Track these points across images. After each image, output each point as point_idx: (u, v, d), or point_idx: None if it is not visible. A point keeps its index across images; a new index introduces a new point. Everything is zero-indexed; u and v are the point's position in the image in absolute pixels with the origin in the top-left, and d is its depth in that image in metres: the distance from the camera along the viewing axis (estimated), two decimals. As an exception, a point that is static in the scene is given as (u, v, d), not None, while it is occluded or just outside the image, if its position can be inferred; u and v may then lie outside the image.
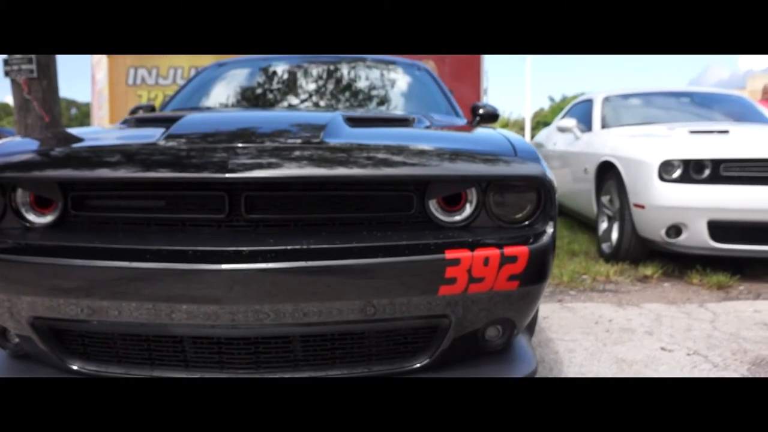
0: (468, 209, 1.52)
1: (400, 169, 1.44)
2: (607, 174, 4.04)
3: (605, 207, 4.11)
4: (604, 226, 4.14)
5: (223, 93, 3.02)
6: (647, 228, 3.54)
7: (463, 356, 1.60)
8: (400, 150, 1.49)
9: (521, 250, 1.45)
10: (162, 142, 1.49)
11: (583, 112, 5.20)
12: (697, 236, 3.34)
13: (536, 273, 1.49)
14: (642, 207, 3.51)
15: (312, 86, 3.04)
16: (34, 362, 1.61)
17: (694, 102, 5.12)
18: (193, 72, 6.29)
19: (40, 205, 1.53)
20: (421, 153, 1.50)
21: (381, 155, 1.47)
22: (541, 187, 1.51)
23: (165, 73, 6.45)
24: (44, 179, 1.47)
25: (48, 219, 1.51)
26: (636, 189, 3.56)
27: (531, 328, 1.91)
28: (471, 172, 1.48)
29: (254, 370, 1.48)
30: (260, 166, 1.38)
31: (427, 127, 1.88)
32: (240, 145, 1.46)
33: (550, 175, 1.53)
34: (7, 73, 4.44)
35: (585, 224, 4.94)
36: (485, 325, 1.55)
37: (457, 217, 1.52)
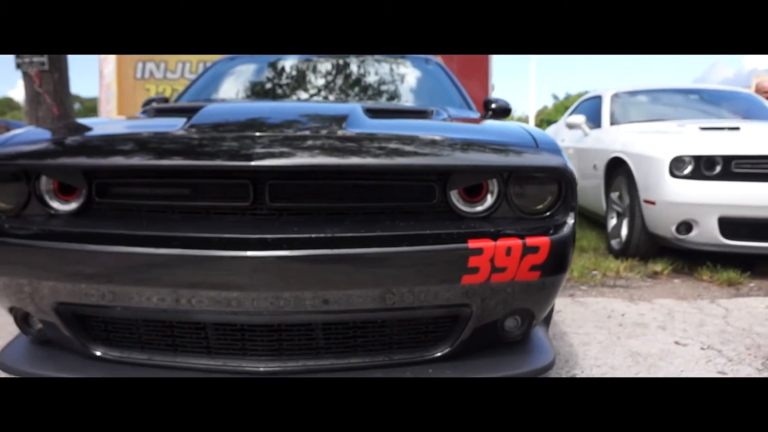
0: (489, 200, 1.53)
1: (423, 159, 1.45)
2: (617, 170, 4.04)
3: (614, 203, 4.11)
4: (613, 222, 4.15)
5: (236, 86, 3.03)
6: (657, 224, 3.54)
7: (483, 346, 1.61)
8: (423, 140, 1.50)
9: (543, 241, 1.46)
10: (186, 131, 1.50)
11: (591, 109, 5.19)
12: (707, 233, 3.34)
13: (557, 263, 1.50)
14: (652, 203, 3.51)
15: (324, 81, 3.05)
16: (56, 348, 1.62)
17: (703, 99, 5.11)
18: (201, 66, 6.31)
19: (64, 192, 1.54)
20: (444, 143, 1.51)
21: (404, 145, 1.48)
22: (562, 178, 1.52)
23: (173, 68, 6.46)
24: (69, 167, 1.48)
25: (72, 206, 1.52)
26: (646, 185, 3.57)
27: (547, 321, 1.92)
28: (493, 163, 1.48)
29: (276, 357, 1.49)
30: (285, 155, 1.39)
31: (446, 119, 1.89)
32: (264, 133, 1.47)
33: (571, 166, 1.54)
34: (18, 65, 4.46)
35: (593, 221, 4.94)
36: (505, 315, 1.56)
37: (479, 208, 1.53)
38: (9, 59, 4.52)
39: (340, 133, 1.50)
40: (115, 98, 6.46)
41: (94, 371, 1.51)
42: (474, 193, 1.54)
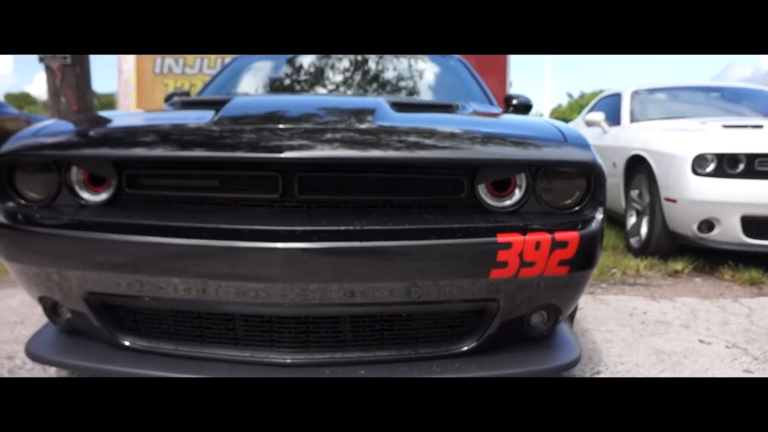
0: (517, 194, 1.52)
1: (453, 152, 1.45)
2: (637, 168, 4.01)
3: (634, 201, 4.08)
4: (632, 220, 4.12)
5: (257, 82, 3.04)
6: (679, 222, 3.51)
7: (509, 341, 1.60)
8: (452, 134, 1.50)
9: (572, 236, 1.45)
10: (217, 123, 1.51)
11: (610, 107, 5.15)
12: (729, 231, 3.31)
13: (586, 259, 1.49)
14: (674, 201, 3.48)
15: (345, 77, 3.05)
16: (83, 337, 1.64)
17: (724, 97, 5.06)
18: (219, 62, 6.34)
19: (94, 183, 1.55)
20: (473, 137, 1.50)
21: (433, 139, 1.48)
22: (591, 173, 1.51)
23: (192, 63, 6.49)
24: (99, 157, 1.49)
25: (101, 197, 1.53)
26: (668, 183, 3.53)
27: (571, 317, 1.91)
28: (523, 157, 1.48)
29: (303, 349, 1.49)
30: (315, 147, 1.39)
31: (472, 114, 1.88)
32: (294, 126, 1.47)
33: (600, 161, 1.53)
34: (41, 60, 4.50)
35: (612, 219, 4.90)
36: (532, 310, 1.56)
37: (507, 202, 1.52)
38: (25, 55, 4.58)
39: (369, 126, 1.50)
40: (134, 93, 6.51)
41: (122, 361, 1.53)
42: (502, 188, 1.53)
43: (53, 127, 1.61)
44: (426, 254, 1.38)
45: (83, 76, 4.55)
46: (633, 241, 4.04)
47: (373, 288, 1.40)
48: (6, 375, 1.84)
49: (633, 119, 4.68)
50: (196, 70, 6.46)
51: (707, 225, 3.37)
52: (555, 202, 1.53)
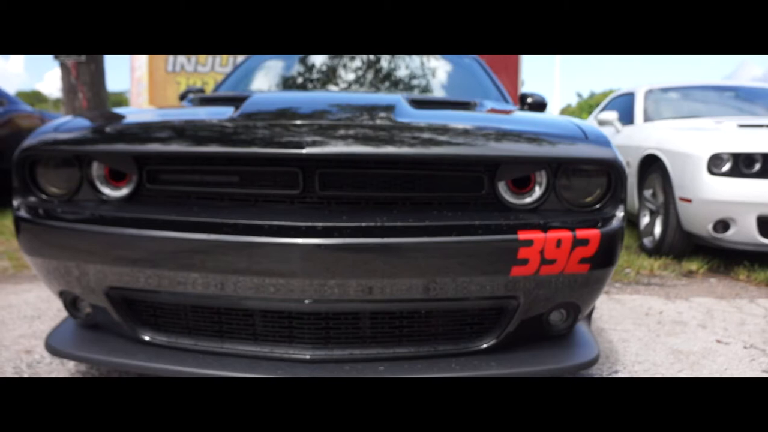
0: (537, 192, 1.52)
1: (474, 149, 1.44)
2: (651, 167, 3.98)
3: (647, 201, 4.05)
4: (645, 220, 4.09)
5: (272, 80, 3.04)
6: (693, 222, 3.48)
7: (528, 339, 1.60)
8: (472, 131, 1.50)
9: (593, 233, 1.45)
10: (238, 119, 1.51)
11: (623, 106, 5.13)
12: (745, 231, 3.28)
13: (606, 256, 1.48)
14: (688, 201, 3.46)
15: (359, 75, 3.05)
16: (103, 332, 1.65)
17: (738, 96, 5.02)
18: (231, 60, 6.35)
19: (114, 178, 1.56)
20: (494, 134, 1.50)
21: (454, 136, 1.47)
22: (612, 170, 1.50)
23: (204, 61, 6.51)
24: (121, 153, 1.50)
25: (122, 192, 1.54)
26: (683, 183, 3.51)
27: (589, 316, 1.90)
28: (544, 154, 1.47)
29: (323, 345, 1.49)
30: (336, 143, 1.39)
31: (491, 111, 1.87)
32: (315, 122, 1.47)
33: (621, 158, 1.52)
34: (56, 57, 4.53)
35: (624, 219, 4.88)
36: (551, 308, 1.55)
37: (527, 200, 1.52)
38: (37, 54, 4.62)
39: (390, 122, 1.50)
40: (146, 91, 6.54)
41: (142, 356, 1.53)
42: (521, 185, 1.53)
43: (74, 123, 1.62)
44: (447, 251, 1.38)
45: (98, 73, 4.58)
46: (646, 240, 4.02)
47: (393, 285, 1.40)
48: (25, 368, 1.85)
49: (646, 118, 4.65)
50: (208, 68, 6.48)
51: (722, 225, 3.35)
52: (575, 200, 1.52)
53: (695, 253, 3.69)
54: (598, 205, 1.52)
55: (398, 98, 1.75)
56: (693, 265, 3.50)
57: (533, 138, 1.52)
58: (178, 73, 6.45)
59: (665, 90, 5.00)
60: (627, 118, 4.88)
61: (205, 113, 1.68)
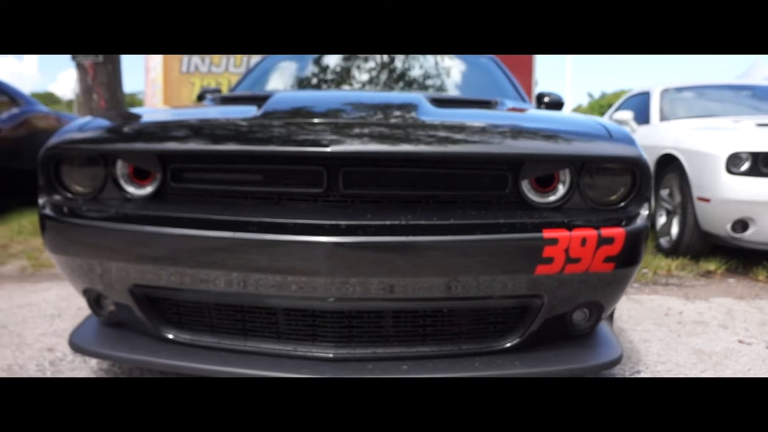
0: (561, 190, 1.51)
1: (499, 147, 1.44)
2: (668, 167, 3.95)
3: (664, 201, 4.03)
4: (662, 220, 4.07)
5: (289, 80, 3.05)
6: (711, 222, 3.45)
7: (551, 339, 1.59)
8: (497, 129, 1.49)
9: (618, 232, 1.44)
10: (262, 117, 1.51)
11: (638, 105, 5.10)
12: (764, 231, 3.25)
13: (631, 255, 1.47)
14: (707, 200, 3.43)
15: (374, 75, 3.05)
16: (126, 330, 1.65)
17: (754, 95, 4.98)
18: (245, 61, 6.37)
19: (138, 177, 1.56)
20: (518, 132, 1.49)
21: (479, 134, 1.47)
22: (636, 169, 1.49)
23: (218, 62, 6.54)
24: (145, 151, 1.50)
25: (146, 190, 1.55)
26: (701, 182, 3.48)
27: (611, 316, 1.89)
28: (569, 152, 1.46)
29: (346, 344, 1.49)
30: (361, 142, 1.39)
31: (512, 110, 1.87)
32: (339, 121, 1.47)
33: (646, 157, 1.51)
34: (73, 57, 4.57)
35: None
36: (574, 307, 1.54)
37: (551, 198, 1.51)
38: (50, 55, 4.66)
39: (414, 121, 1.50)
40: (160, 92, 6.58)
41: (164, 353, 1.54)
42: (545, 184, 1.52)
43: (99, 122, 1.63)
44: (472, 250, 1.37)
45: (114, 73, 4.61)
46: (663, 241, 3.99)
47: (417, 283, 1.39)
48: (48, 366, 1.87)
49: (662, 118, 4.62)
50: (222, 68, 6.51)
51: (741, 224, 3.32)
52: (599, 198, 1.51)
53: (713, 254, 3.66)
54: (622, 204, 1.51)
55: (420, 97, 1.75)
56: (711, 266, 3.47)
57: (558, 136, 1.51)
58: (193, 73, 6.49)
59: (681, 89, 4.96)
60: (642, 117, 4.85)
61: (229, 112, 1.69)
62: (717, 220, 3.40)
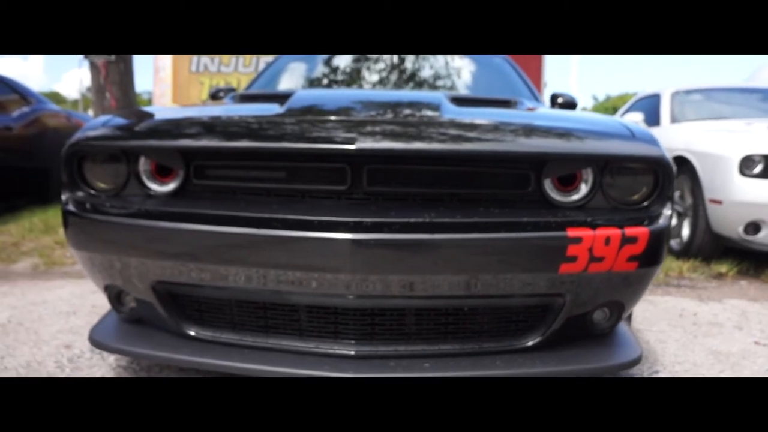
0: (584, 189, 1.51)
1: (523, 146, 1.44)
2: (679, 169, 3.95)
3: (675, 203, 4.02)
4: (673, 222, 4.05)
5: (302, 80, 3.05)
6: (724, 224, 3.45)
7: (571, 338, 1.59)
8: (521, 128, 1.50)
9: (641, 231, 1.44)
10: (286, 115, 1.52)
11: (648, 108, 5.09)
12: (777, 234, 3.25)
13: (654, 255, 1.47)
14: (719, 203, 3.42)
15: (387, 75, 3.05)
16: (146, 326, 1.66)
17: (765, 98, 4.96)
18: (254, 61, 6.39)
19: (161, 174, 1.57)
20: (542, 131, 1.50)
21: (502, 133, 1.47)
22: (659, 168, 1.49)
23: (227, 62, 6.56)
24: (169, 148, 1.51)
25: (169, 187, 1.55)
26: (713, 184, 3.48)
27: (629, 317, 1.89)
28: (593, 151, 1.46)
29: (368, 341, 1.49)
30: (386, 140, 1.39)
31: (533, 109, 1.87)
32: (363, 119, 1.48)
33: (669, 156, 1.51)
34: (86, 56, 4.58)
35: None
36: (596, 306, 1.54)
37: (574, 197, 1.51)
38: (55, 55, 4.67)
39: (439, 119, 1.50)
40: (169, 91, 6.59)
41: (186, 350, 1.54)
42: (567, 183, 1.52)
43: (122, 119, 1.64)
44: (497, 248, 1.37)
45: (126, 72, 4.62)
46: (674, 242, 3.98)
47: (441, 281, 1.40)
48: (66, 363, 1.88)
49: (673, 120, 4.62)
50: (231, 68, 6.53)
51: (754, 227, 3.32)
52: (621, 198, 1.51)
53: (724, 256, 3.65)
54: (645, 203, 1.51)
55: (441, 96, 1.75)
56: (722, 268, 3.46)
57: (581, 136, 1.51)
58: (202, 73, 6.50)
59: (691, 92, 4.95)
60: (652, 119, 4.84)
61: (252, 109, 1.69)
62: (729, 223, 3.39)
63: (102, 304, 2.50)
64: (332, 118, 1.50)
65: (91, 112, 7.94)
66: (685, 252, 3.77)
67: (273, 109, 1.60)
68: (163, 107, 1.94)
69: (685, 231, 3.83)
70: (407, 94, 2.09)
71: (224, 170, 1.52)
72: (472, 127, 1.48)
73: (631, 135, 1.53)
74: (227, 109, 1.75)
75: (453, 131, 1.45)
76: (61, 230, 4.15)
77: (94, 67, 4.55)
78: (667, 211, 1.50)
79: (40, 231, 4.11)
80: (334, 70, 3.08)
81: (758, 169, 3.27)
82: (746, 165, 3.29)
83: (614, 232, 1.41)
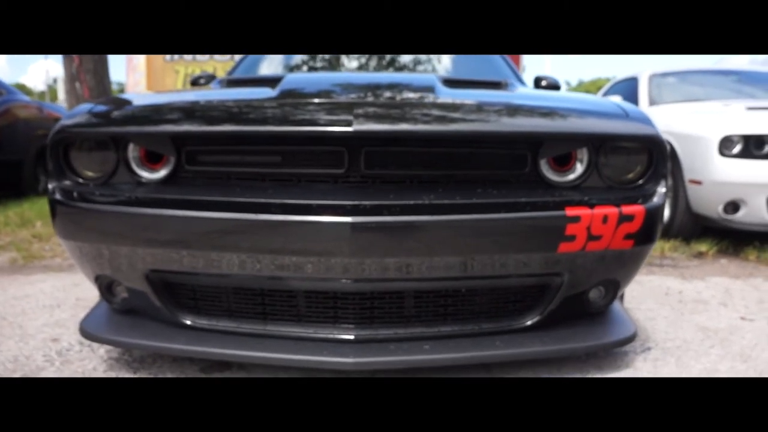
0: (579, 169, 1.52)
1: (520, 126, 1.44)
2: (658, 151, 3.99)
3: (655, 184, 4.06)
4: (653, 203, 4.11)
5: (284, 66, 3.01)
6: (703, 204, 3.50)
7: (568, 317, 1.60)
8: (516, 108, 1.49)
9: (638, 209, 1.45)
10: (279, 98, 1.49)
11: (626, 91, 5.13)
12: (755, 212, 3.31)
13: (649, 232, 1.49)
14: (699, 183, 3.47)
15: (362, 62, 3.02)
16: (138, 316, 1.63)
17: (741, 80, 5.04)
18: (230, 48, 6.29)
19: (151, 160, 1.53)
20: (537, 112, 1.50)
21: (499, 113, 1.47)
22: (654, 147, 1.51)
23: (202, 49, 6.46)
24: (159, 134, 1.47)
25: (159, 174, 1.52)
26: (693, 165, 3.53)
27: (621, 296, 1.91)
28: (588, 131, 1.47)
29: (368, 325, 1.49)
30: (384, 122, 1.38)
31: (526, 90, 1.87)
32: (359, 101, 1.46)
33: (662, 135, 1.52)
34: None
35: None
36: (593, 284, 1.56)
37: (570, 176, 1.51)
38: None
39: (434, 100, 1.49)
40: (144, 79, 6.46)
41: (182, 339, 1.52)
42: (562, 163, 1.52)
43: (109, 104, 1.60)
44: (497, 228, 1.37)
45: (101, 61, 4.51)
46: (654, 223, 4.03)
47: (441, 262, 1.39)
48: (55, 356, 1.83)
49: (651, 102, 4.66)
50: (206, 56, 6.42)
51: (733, 206, 3.37)
52: (616, 177, 1.52)
53: (703, 235, 3.71)
54: (640, 181, 1.52)
55: (434, 78, 1.74)
56: (702, 247, 3.52)
57: (576, 115, 1.51)
58: (176, 61, 6.39)
59: (668, 74, 5.01)
60: (630, 102, 4.88)
61: (243, 93, 1.66)
62: (709, 203, 3.45)
63: (87, 297, 2.45)
64: (327, 100, 1.48)
65: (62, 104, 7.75)
66: (666, 232, 3.82)
67: (265, 92, 1.57)
68: (150, 93, 1.90)
69: (666, 211, 3.89)
70: (399, 76, 2.07)
71: (217, 155, 1.50)
72: (470, 107, 1.48)
73: (625, 114, 1.54)
74: (218, 94, 1.71)
75: (450, 112, 1.45)
76: (39, 223, 4.07)
77: (66, 56, 4.44)
78: (661, 189, 1.52)
79: (16, 225, 4.02)
80: (314, 57, 3.04)
81: (737, 149, 3.32)
82: (725, 145, 3.34)
83: (611, 211, 1.42)
